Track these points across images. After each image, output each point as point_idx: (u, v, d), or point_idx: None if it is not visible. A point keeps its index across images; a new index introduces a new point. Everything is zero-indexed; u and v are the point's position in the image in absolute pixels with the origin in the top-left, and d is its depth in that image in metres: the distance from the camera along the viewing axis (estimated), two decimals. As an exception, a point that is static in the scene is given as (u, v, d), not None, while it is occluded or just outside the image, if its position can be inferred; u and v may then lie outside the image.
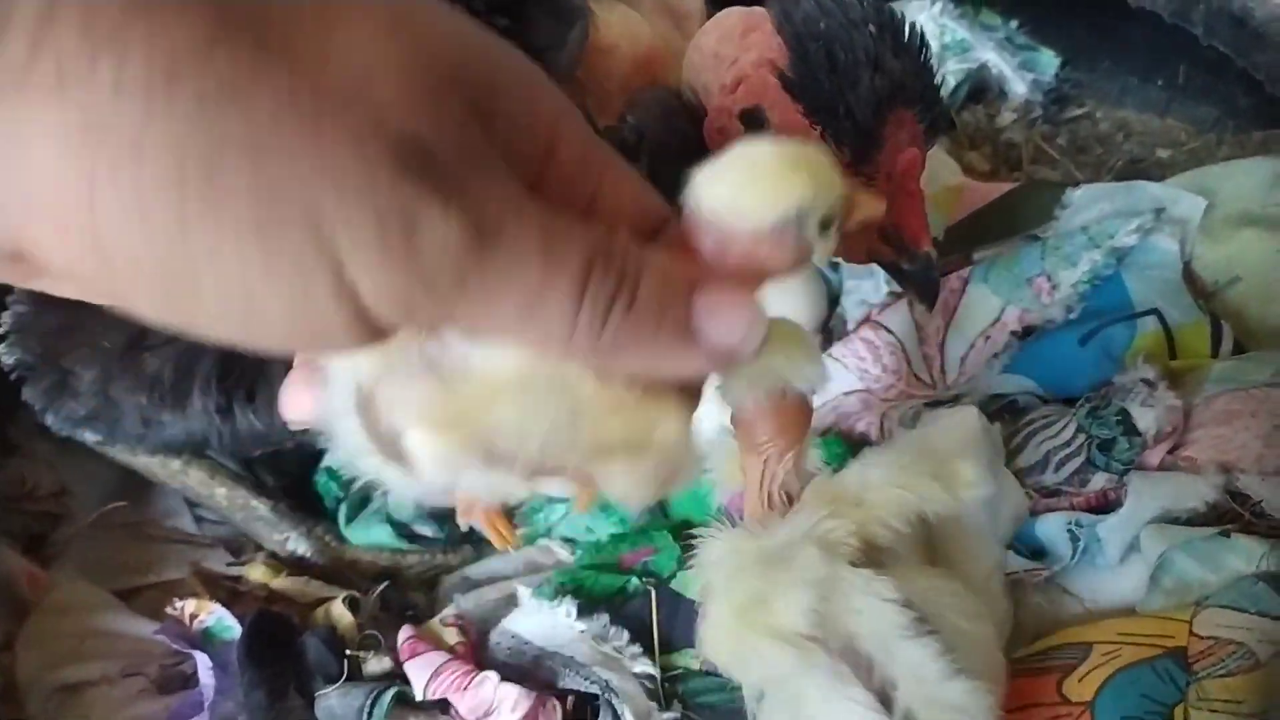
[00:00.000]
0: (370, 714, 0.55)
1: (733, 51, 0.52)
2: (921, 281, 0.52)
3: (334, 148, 0.24)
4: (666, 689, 0.60)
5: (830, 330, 0.79)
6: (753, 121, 0.50)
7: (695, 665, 0.60)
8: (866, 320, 0.76)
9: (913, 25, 0.48)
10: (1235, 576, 0.54)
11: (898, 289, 0.77)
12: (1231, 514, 0.59)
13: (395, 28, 0.26)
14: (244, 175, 0.24)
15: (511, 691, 0.56)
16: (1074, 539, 0.57)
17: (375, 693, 0.56)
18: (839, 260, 0.77)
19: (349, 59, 0.25)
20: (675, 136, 0.52)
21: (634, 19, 0.53)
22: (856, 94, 0.47)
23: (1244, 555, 0.54)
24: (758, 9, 0.52)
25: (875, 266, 0.77)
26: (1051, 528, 0.59)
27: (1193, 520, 0.58)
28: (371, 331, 0.26)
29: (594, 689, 0.58)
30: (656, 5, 0.56)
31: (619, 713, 0.57)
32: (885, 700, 0.45)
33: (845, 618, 0.45)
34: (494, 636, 0.62)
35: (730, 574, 0.46)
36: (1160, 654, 0.51)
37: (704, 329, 0.29)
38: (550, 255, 0.26)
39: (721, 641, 0.46)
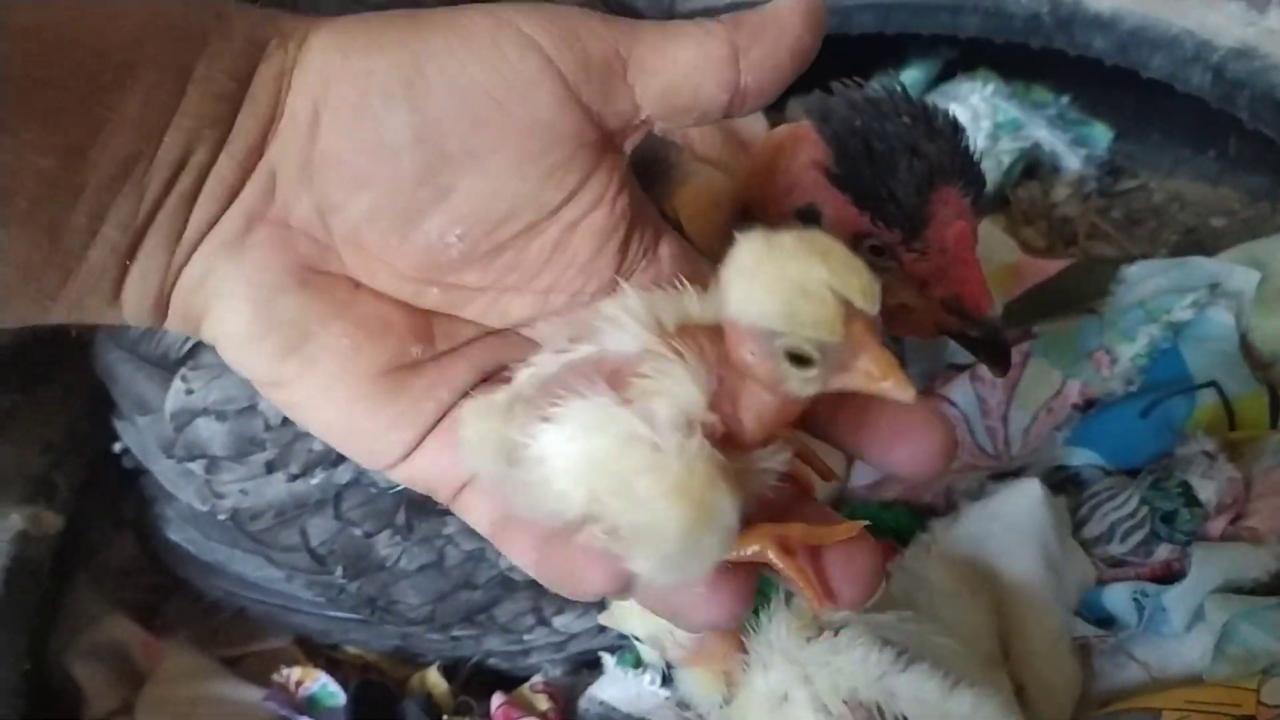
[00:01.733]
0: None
1: (784, 162, 0.55)
2: (991, 346, 0.54)
3: None
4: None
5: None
6: (808, 217, 0.54)
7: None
8: (929, 393, 0.79)
9: (945, 112, 0.51)
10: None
11: (958, 361, 0.80)
12: (1294, 578, 0.60)
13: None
14: None
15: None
16: (1139, 607, 0.59)
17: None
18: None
19: None
20: None
21: (712, 183, 0.56)
22: (896, 178, 0.49)
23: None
24: (801, 123, 0.55)
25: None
26: (1118, 596, 0.61)
27: (1256, 590, 0.59)
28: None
29: (679, 754, 0.61)
30: (728, 138, 0.60)
31: None
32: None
33: (837, 679, 0.49)
34: (582, 703, 0.65)
35: None
36: None
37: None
38: None
39: None
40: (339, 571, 0.62)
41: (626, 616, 0.60)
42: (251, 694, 0.70)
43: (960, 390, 0.77)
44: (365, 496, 0.60)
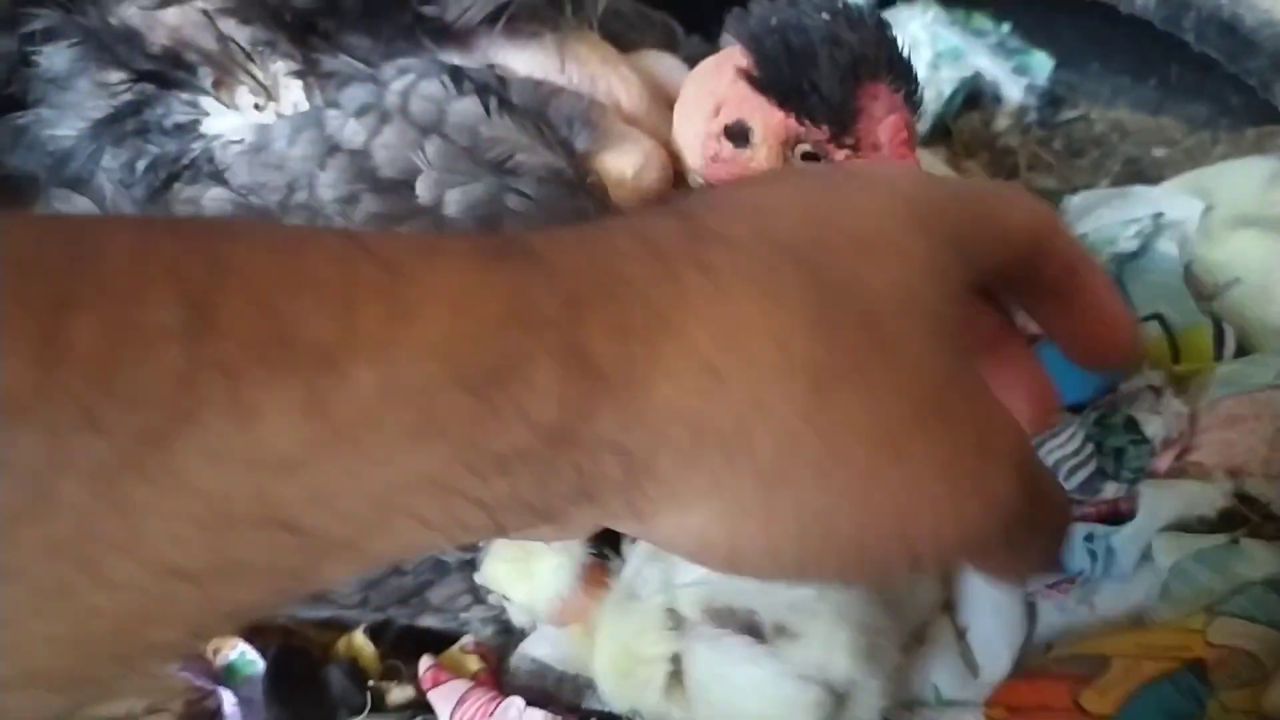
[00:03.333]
0: (395, 744, 0.56)
1: (710, 86, 0.53)
2: None
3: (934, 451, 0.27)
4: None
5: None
6: (736, 135, 0.51)
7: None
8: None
9: (860, 7, 0.49)
10: (1244, 583, 0.54)
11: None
12: (1240, 518, 0.59)
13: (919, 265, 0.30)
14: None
15: (537, 716, 0.56)
16: (1093, 554, 0.58)
17: (400, 723, 0.57)
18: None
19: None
20: None
21: (639, 152, 0.53)
22: (818, 69, 0.47)
23: (1253, 562, 0.55)
24: (725, 50, 0.53)
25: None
26: (1073, 539, 0.60)
27: (1203, 527, 0.58)
28: (917, 567, 0.29)
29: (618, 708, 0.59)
30: (655, 97, 0.57)
31: None
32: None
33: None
34: (513, 661, 0.62)
35: None
36: (1179, 667, 0.52)
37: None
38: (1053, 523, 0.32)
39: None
40: None
41: (500, 578, 0.58)
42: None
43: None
44: None
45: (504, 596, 0.59)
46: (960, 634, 0.59)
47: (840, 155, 0.50)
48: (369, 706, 0.59)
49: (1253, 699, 0.49)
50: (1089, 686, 0.53)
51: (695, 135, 0.54)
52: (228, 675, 0.63)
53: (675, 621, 0.54)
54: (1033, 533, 0.30)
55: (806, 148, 0.51)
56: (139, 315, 0.21)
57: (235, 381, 0.21)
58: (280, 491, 0.22)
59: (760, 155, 0.52)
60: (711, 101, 0.51)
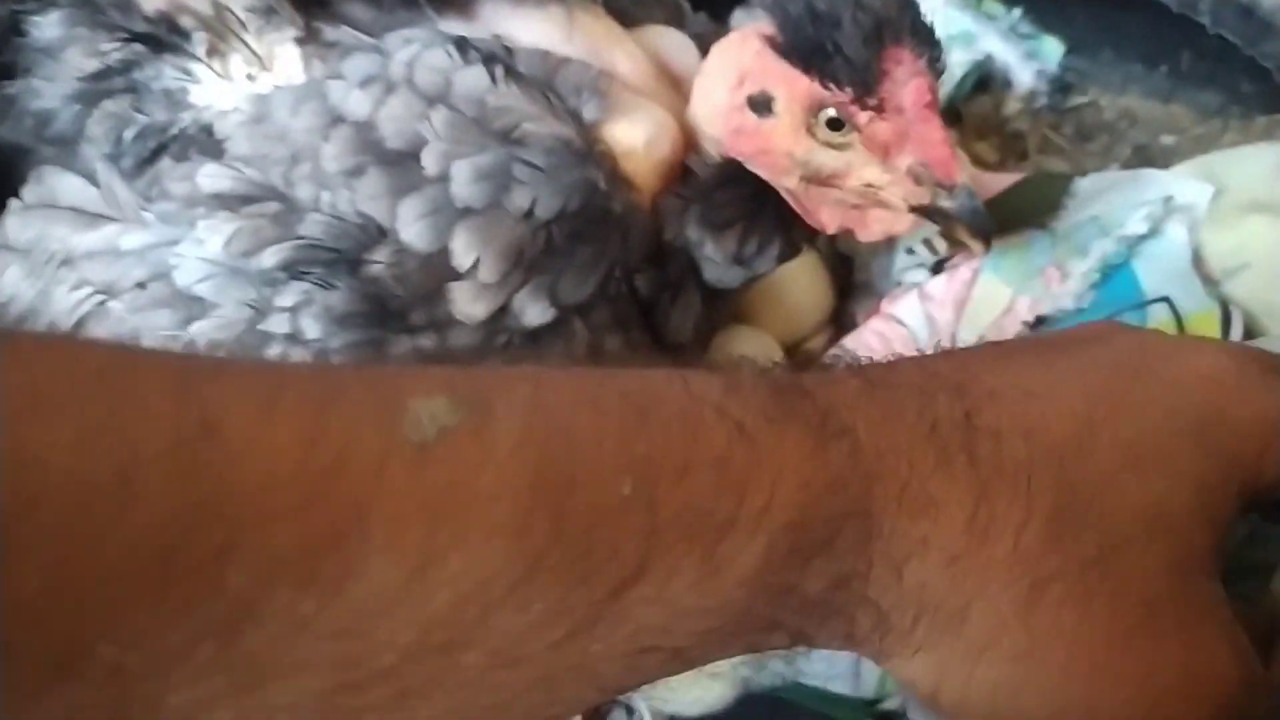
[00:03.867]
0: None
1: (733, 57, 0.53)
2: (969, 217, 0.52)
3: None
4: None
5: (841, 323, 0.79)
6: (760, 105, 0.52)
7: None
8: (876, 312, 0.77)
9: None
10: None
11: (908, 280, 0.77)
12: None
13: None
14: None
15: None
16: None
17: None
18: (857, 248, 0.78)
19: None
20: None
21: (650, 121, 0.53)
22: (841, 31, 0.48)
23: (1269, 548, 0.55)
24: (748, 25, 0.53)
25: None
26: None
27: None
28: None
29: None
30: (660, 73, 0.57)
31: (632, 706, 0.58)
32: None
33: None
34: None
35: None
36: None
37: None
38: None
39: None
40: None
41: None
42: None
43: (908, 309, 0.75)
44: None
45: None
46: None
47: (864, 118, 0.50)
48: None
49: None
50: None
51: (717, 108, 0.54)
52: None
53: None
54: None
55: (831, 113, 0.51)
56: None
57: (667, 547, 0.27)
58: (671, 626, 0.28)
59: (784, 124, 0.52)
60: (735, 73, 0.52)
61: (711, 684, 0.56)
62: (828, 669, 0.60)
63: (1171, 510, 0.30)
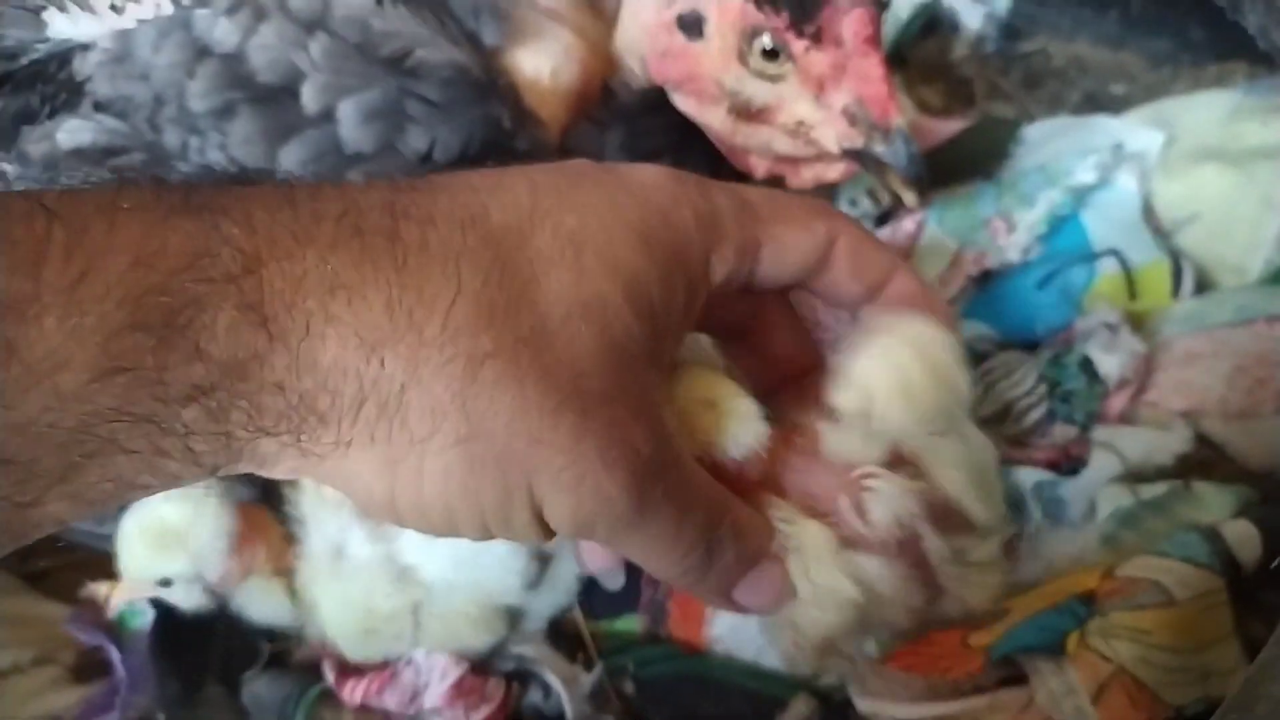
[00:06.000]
0: (297, 705, 0.52)
1: None
2: (903, 165, 0.48)
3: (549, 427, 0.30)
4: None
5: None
6: (690, 26, 0.47)
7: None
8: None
9: None
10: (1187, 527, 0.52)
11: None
12: (1196, 457, 0.57)
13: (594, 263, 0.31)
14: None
15: (440, 660, 0.53)
16: (1044, 504, 0.55)
17: (304, 685, 0.53)
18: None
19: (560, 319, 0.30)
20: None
21: (557, 47, 0.48)
22: None
23: (1202, 506, 0.53)
24: None
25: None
26: (1023, 485, 0.57)
27: (1158, 475, 0.56)
28: (549, 534, 0.32)
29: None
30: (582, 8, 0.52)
31: (545, 680, 0.56)
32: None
33: None
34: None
35: None
36: (1067, 599, 0.49)
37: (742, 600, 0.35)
38: (680, 529, 0.33)
39: None
40: None
41: (147, 564, 0.54)
42: (57, 611, 0.61)
43: (849, 262, 0.72)
44: None
45: (162, 583, 0.55)
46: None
47: (800, 47, 0.46)
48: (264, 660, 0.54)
49: (1151, 620, 0.47)
50: (978, 629, 0.50)
51: (644, 28, 0.49)
52: (118, 626, 0.58)
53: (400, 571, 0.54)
54: (646, 538, 0.32)
55: (765, 41, 0.46)
56: None
57: None
58: None
59: (714, 48, 0.47)
60: None
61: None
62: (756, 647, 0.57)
63: (606, 298, 0.31)
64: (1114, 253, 0.68)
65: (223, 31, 0.45)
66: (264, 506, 0.57)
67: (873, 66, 0.46)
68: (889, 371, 0.33)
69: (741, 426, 0.34)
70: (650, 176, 0.34)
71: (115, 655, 0.55)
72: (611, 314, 0.31)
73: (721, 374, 0.36)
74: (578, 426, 0.30)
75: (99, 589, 0.60)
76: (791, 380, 0.38)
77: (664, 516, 0.32)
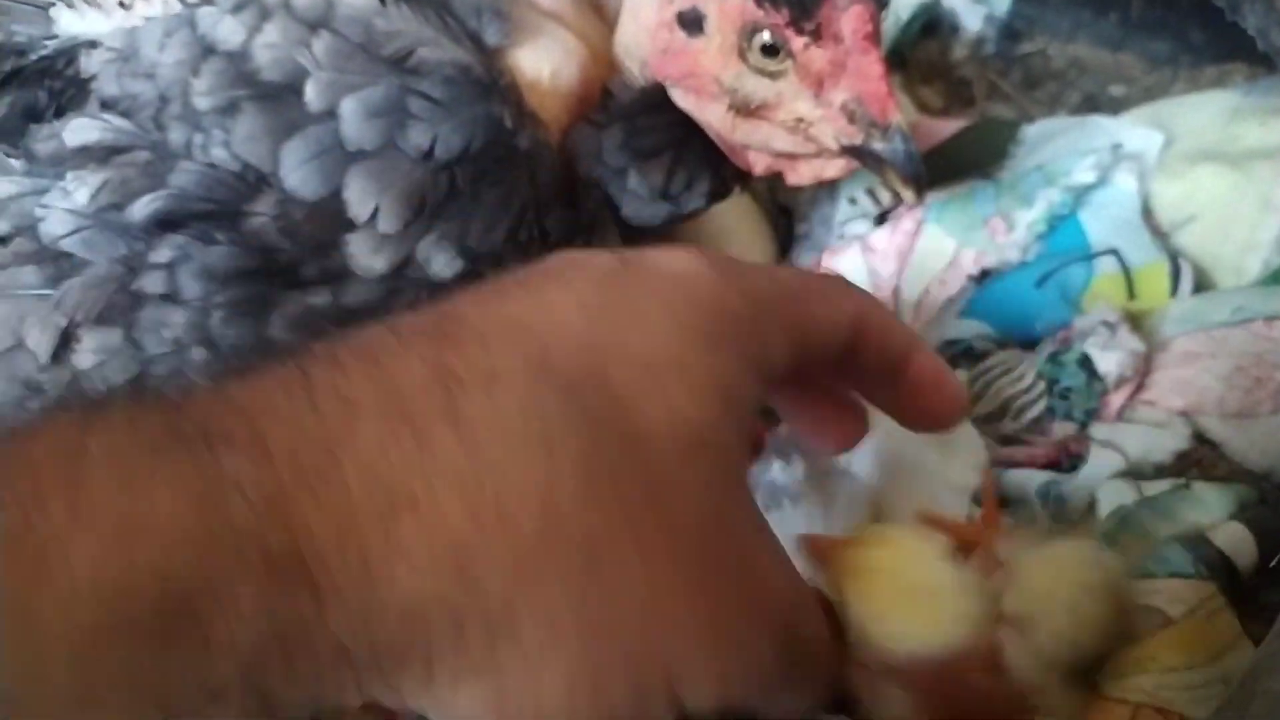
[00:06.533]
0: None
1: None
2: (901, 162, 0.48)
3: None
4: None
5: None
6: (690, 23, 0.48)
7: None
8: (818, 266, 0.74)
9: None
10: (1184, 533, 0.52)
11: (850, 232, 0.74)
12: (1195, 456, 0.57)
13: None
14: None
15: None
16: (1043, 501, 0.55)
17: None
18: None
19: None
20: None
21: (557, 48, 0.49)
22: None
23: (1202, 507, 0.53)
24: None
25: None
26: (1026, 487, 0.57)
27: (1156, 473, 0.56)
28: (681, 712, 0.27)
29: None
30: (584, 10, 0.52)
31: None
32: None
33: None
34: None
35: None
36: None
37: None
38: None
39: None
40: None
41: None
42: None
43: (850, 261, 0.72)
44: None
45: None
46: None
47: (799, 44, 0.46)
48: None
49: (1155, 645, 0.46)
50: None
51: (644, 26, 0.50)
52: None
53: None
54: (791, 687, 0.29)
55: (765, 38, 0.47)
56: None
57: None
58: None
59: (714, 45, 0.48)
60: None
61: None
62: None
63: (700, 426, 0.26)
64: (1113, 252, 0.69)
65: (227, 30, 0.45)
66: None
67: (871, 64, 0.46)
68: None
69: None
70: (683, 265, 0.29)
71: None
72: (713, 440, 0.26)
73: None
74: (715, 591, 0.25)
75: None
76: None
77: (803, 670, 0.29)
